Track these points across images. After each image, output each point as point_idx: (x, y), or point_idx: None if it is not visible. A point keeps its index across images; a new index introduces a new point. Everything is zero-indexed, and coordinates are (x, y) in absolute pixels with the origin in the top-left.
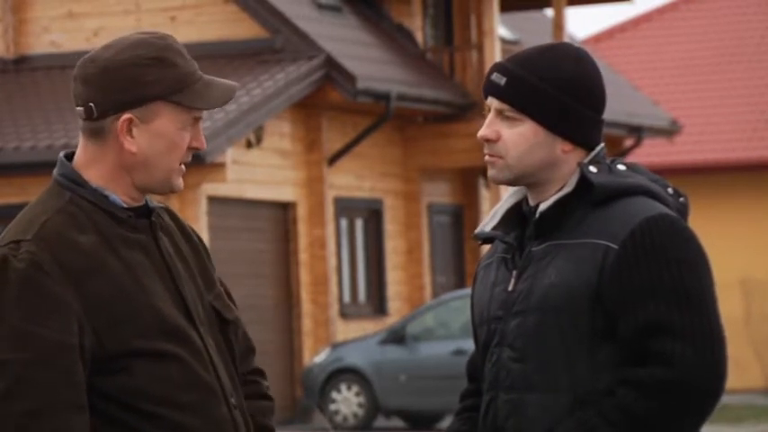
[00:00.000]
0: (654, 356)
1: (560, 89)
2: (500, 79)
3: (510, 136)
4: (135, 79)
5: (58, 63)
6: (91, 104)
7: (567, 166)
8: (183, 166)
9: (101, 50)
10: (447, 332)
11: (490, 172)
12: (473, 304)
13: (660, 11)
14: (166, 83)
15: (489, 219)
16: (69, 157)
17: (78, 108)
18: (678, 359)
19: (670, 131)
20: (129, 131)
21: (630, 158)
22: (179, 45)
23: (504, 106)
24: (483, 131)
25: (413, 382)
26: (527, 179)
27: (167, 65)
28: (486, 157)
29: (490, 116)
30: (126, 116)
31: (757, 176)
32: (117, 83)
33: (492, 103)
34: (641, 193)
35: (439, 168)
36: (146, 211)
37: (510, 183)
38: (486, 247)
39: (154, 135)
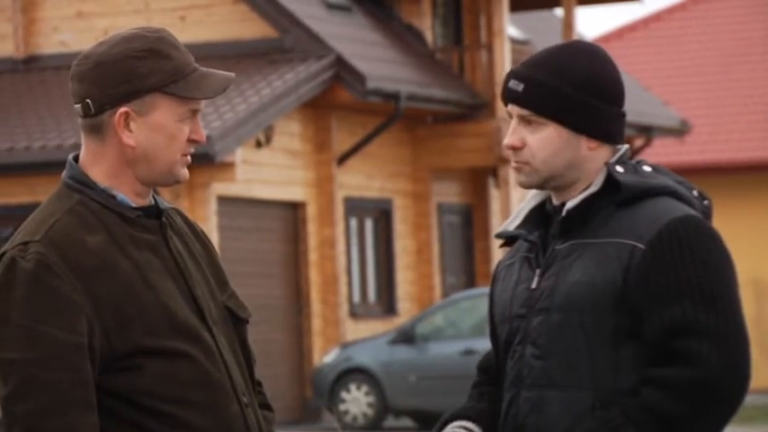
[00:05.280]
0: (679, 357)
1: (578, 87)
2: (518, 86)
3: (535, 141)
4: (129, 72)
5: (68, 63)
6: (87, 101)
7: (593, 163)
8: (188, 157)
9: (95, 47)
10: (457, 332)
11: (519, 178)
12: (493, 303)
13: (670, 11)
14: (161, 74)
15: (513, 218)
16: (77, 158)
17: (76, 106)
18: (704, 360)
19: (680, 131)
20: (127, 125)
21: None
22: (173, 38)
23: (526, 112)
24: (508, 140)
25: (422, 382)
26: (556, 181)
27: (161, 56)
28: (513, 164)
29: (513, 123)
30: (123, 110)
31: None
32: (111, 77)
33: (513, 110)
34: (667, 194)
35: (448, 168)
36: (155, 212)
37: (539, 186)
38: (497, 249)
39: (152, 128)
